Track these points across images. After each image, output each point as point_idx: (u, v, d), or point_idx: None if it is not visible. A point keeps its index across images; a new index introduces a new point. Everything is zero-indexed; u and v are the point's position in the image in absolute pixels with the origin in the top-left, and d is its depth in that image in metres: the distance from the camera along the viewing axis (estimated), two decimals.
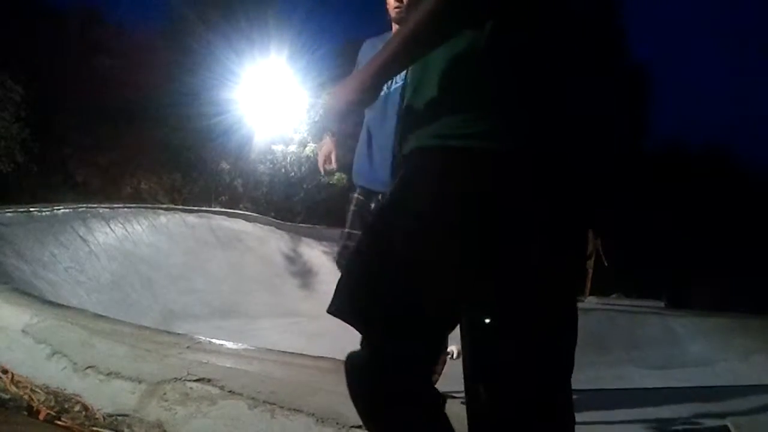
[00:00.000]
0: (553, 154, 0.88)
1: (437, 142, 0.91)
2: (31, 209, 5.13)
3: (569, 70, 0.90)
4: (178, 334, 2.76)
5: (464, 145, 0.87)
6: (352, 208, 2.28)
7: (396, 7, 2.07)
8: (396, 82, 2.07)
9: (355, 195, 2.28)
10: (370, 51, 2.19)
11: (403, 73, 1.88)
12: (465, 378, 0.93)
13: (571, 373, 0.91)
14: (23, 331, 2.42)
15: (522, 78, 0.88)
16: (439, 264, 0.89)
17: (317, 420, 1.76)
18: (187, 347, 2.32)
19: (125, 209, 6.88)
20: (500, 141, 0.86)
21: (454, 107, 0.90)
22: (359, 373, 1.00)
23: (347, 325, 0.98)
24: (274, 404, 1.84)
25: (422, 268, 0.90)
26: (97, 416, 1.90)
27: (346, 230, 2.28)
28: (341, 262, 2.25)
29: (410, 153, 0.98)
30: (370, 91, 0.97)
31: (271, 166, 14.26)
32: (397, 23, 2.12)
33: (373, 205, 2.19)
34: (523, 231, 0.86)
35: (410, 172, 0.97)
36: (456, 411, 1.01)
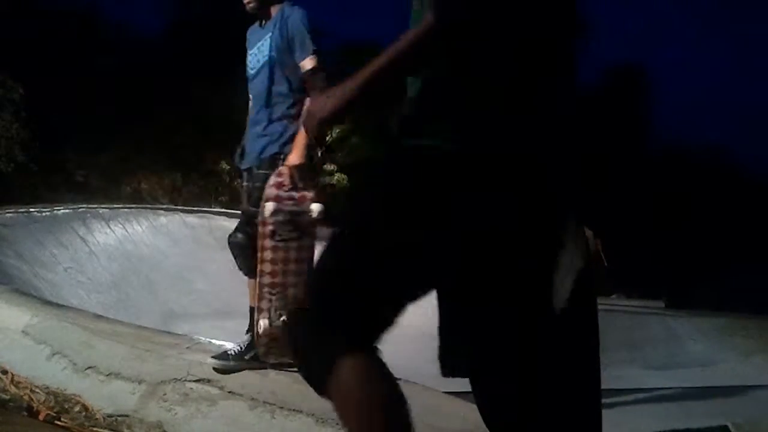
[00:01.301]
0: (515, 153, 0.89)
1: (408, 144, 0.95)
2: (31, 209, 5.13)
3: (546, 72, 0.92)
4: (178, 334, 2.76)
5: (418, 145, 0.91)
6: (244, 202, 2.33)
7: (247, 2, 2.31)
8: (251, 69, 2.39)
9: (244, 184, 2.39)
10: (251, 38, 2.46)
11: (257, 60, 2.28)
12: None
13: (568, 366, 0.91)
14: (23, 331, 2.42)
15: (475, 83, 0.90)
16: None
17: (317, 420, 1.76)
18: (187, 347, 2.32)
19: (125, 210, 6.88)
20: (456, 142, 0.89)
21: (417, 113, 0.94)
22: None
23: None
24: (274, 404, 1.84)
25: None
26: (97, 416, 1.90)
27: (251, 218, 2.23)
28: (235, 241, 2.21)
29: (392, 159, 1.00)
30: (354, 105, 0.94)
31: None
32: (253, 14, 2.36)
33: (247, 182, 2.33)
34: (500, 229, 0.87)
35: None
36: (457, 409, 1.01)
